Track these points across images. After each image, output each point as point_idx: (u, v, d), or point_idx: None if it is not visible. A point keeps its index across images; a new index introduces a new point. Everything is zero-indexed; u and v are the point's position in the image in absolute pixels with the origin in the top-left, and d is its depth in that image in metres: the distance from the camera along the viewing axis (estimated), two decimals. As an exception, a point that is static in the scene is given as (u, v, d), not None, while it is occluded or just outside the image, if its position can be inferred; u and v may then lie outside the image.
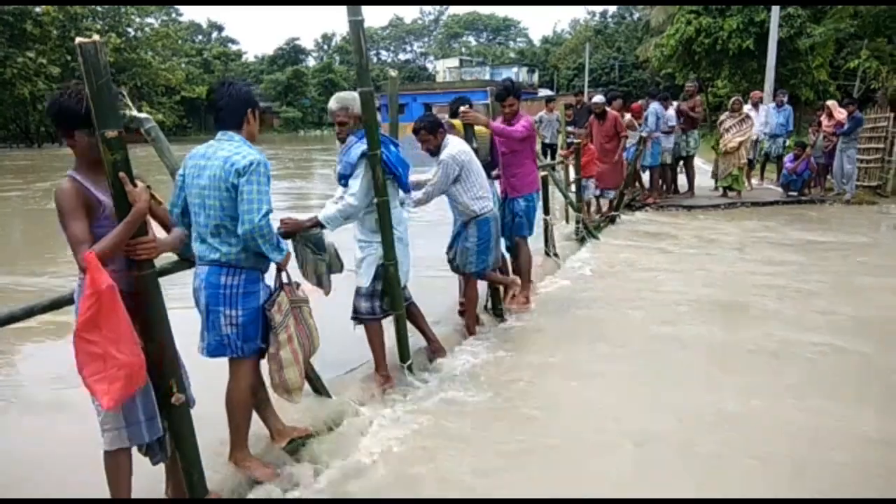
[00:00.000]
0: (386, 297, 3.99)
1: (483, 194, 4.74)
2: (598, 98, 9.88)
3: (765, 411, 3.70)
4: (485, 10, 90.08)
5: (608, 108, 9.50)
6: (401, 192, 4.04)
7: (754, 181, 12.71)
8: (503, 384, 4.16)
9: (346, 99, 3.80)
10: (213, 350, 2.84)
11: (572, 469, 3.19)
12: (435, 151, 4.63)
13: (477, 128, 5.45)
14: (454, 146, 4.62)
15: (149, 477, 2.71)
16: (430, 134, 4.60)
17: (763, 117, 11.54)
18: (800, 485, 2.99)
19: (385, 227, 3.90)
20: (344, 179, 3.81)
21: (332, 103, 3.80)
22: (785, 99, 12.94)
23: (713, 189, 12.44)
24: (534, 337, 5.06)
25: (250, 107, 2.83)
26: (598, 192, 9.57)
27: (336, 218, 3.69)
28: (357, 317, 3.99)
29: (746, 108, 11.78)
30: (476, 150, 4.99)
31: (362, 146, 3.67)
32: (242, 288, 2.79)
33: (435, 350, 4.51)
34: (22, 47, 34.55)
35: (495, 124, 5.34)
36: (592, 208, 9.63)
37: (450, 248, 4.92)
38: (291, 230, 3.54)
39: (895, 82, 16.12)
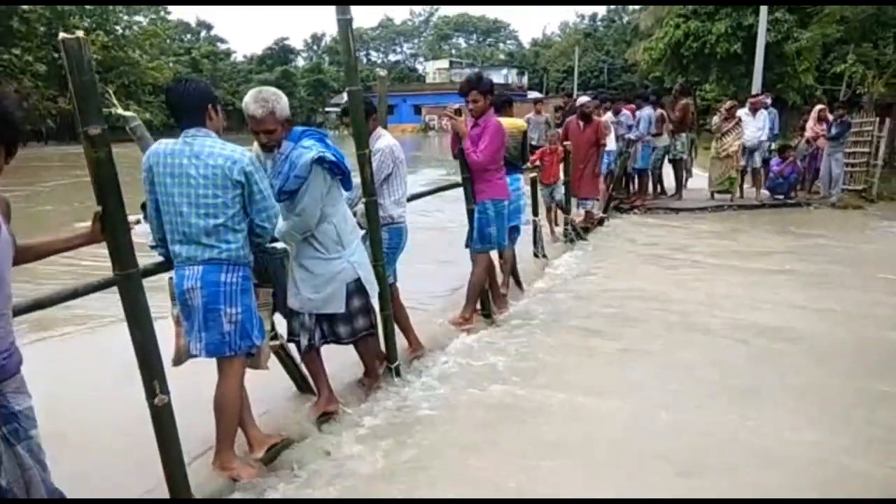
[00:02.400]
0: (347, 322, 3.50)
1: (404, 201, 4.25)
2: (584, 99, 9.36)
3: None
4: (475, 11, 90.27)
5: (595, 114, 9.13)
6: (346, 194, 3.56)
7: (748, 188, 12.31)
8: (490, 386, 4.13)
9: (269, 100, 3.03)
10: (213, 349, 2.81)
11: (564, 469, 3.19)
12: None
13: (508, 123, 5.71)
14: (389, 138, 4.09)
15: (150, 477, 2.70)
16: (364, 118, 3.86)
17: (762, 122, 11.45)
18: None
19: (373, 225, 3.88)
20: (287, 195, 3.13)
21: (254, 106, 3.01)
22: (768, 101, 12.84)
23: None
24: (520, 339, 5.03)
25: (210, 102, 2.78)
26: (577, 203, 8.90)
27: (288, 233, 3.22)
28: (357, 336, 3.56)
29: (742, 111, 11.69)
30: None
31: (310, 151, 3.06)
32: (240, 285, 2.80)
33: (372, 379, 3.97)
34: (7, 44, 34.20)
35: (465, 143, 4.89)
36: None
37: None
38: None
39: (881, 87, 16.27)
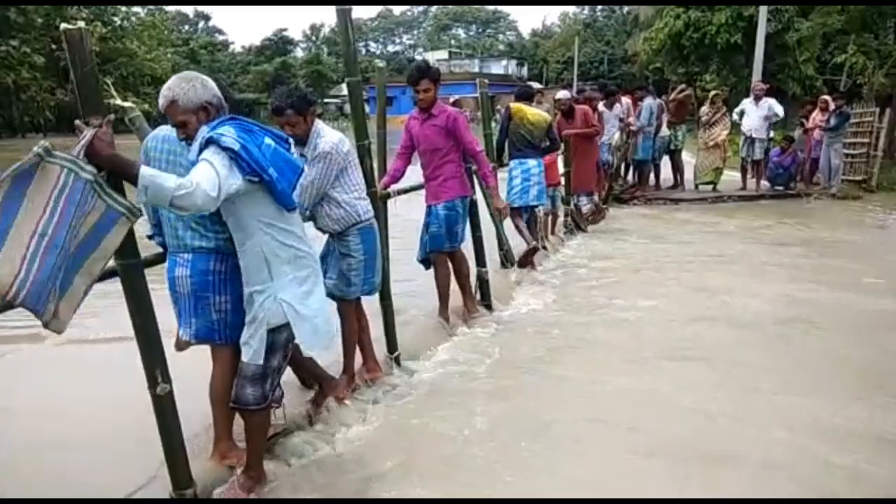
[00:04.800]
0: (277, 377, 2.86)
1: (365, 196, 3.70)
2: (562, 94, 8.51)
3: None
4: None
5: (578, 105, 8.43)
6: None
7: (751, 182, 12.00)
8: (488, 378, 4.14)
9: (171, 88, 2.52)
10: (203, 335, 2.82)
11: (559, 472, 3.21)
12: (302, 138, 3.41)
13: (532, 114, 6.40)
14: (333, 134, 3.49)
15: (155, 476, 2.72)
16: (299, 115, 3.35)
17: (765, 111, 11.30)
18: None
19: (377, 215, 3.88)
20: None
21: (160, 99, 2.55)
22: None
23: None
24: (522, 329, 5.07)
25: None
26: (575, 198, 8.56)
27: (163, 189, 2.21)
28: (238, 406, 2.77)
29: (747, 101, 11.56)
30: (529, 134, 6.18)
31: (209, 130, 2.47)
32: (229, 274, 2.78)
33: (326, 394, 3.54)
34: (5, 36, 34.02)
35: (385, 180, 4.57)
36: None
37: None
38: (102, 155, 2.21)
39: (881, 77, 16.23)
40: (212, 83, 2.58)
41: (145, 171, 2.21)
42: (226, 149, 2.38)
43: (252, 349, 2.68)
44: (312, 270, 2.79)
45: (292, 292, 2.67)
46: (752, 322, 5.12)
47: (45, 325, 2.11)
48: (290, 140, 2.78)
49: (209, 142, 2.40)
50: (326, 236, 3.73)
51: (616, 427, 3.50)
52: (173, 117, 2.54)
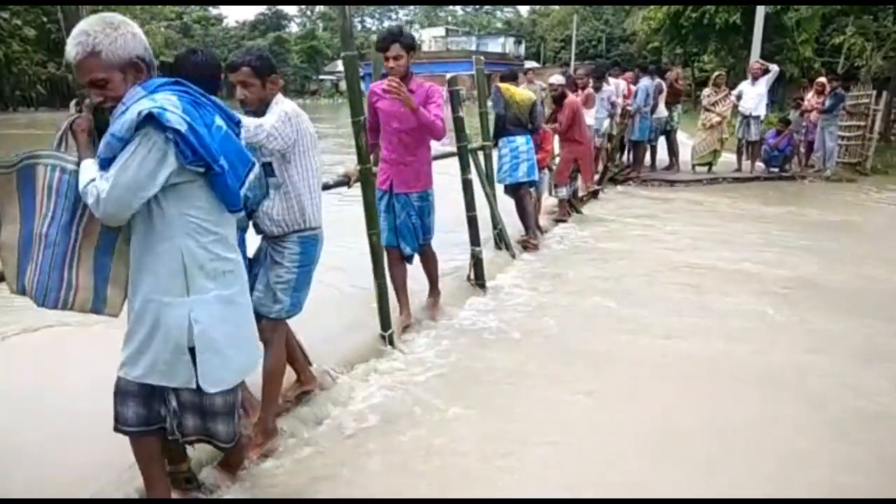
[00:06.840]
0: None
1: (318, 197, 3.02)
2: (556, 78, 7.72)
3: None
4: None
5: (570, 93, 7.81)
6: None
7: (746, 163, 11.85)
8: (481, 361, 4.16)
9: (90, 33, 1.91)
10: None
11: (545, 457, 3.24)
12: (259, 108, 2.85)
13: (519, 93, 6.59)
14: (291, 104, 2.90)
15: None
16: (256, 76, 2.81)
17: (762, 88, 11.20)
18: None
19: (368, 190, 3.86)
20: (107, 164, 1.97)
21: (68, 47, 1.92)
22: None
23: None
24: (514, 309, 5.08)
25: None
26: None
27: (79, 184, 2.02)
28: (121, 428, 2.24)
29: (745, 83, 11.52)
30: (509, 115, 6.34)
31: (147, 102, 1.91)
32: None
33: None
34: (-5, 8, 33.58)
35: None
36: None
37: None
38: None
39: (879, 60, 16.19)
40: (141, 32, 2.03)
41: (84, 162, 2.05)
42: (167, 129, 1.89)
43: (187, 374, 2.11)
44: (241, 288, 2.25)
45: (210, 313, 2.11)
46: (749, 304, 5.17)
47: (95, 312, 2.20)
48: (241, 123, 2.36)
49: (148, 118, 1.88)
50: (260, 238, 3.07)
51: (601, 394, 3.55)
52: (89, 73, 1.95)
